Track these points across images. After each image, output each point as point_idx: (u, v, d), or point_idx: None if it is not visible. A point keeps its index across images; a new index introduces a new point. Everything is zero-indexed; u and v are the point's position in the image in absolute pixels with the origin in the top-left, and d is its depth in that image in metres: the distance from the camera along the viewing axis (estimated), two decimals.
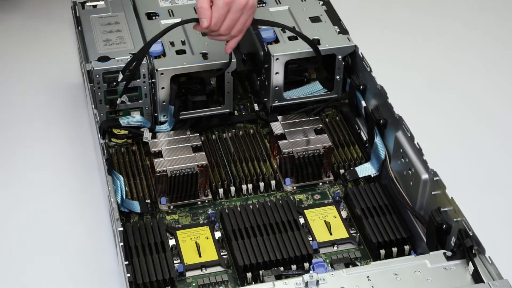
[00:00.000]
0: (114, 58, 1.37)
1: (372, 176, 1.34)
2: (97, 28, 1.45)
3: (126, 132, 1.39)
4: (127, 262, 1.08)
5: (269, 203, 1.28)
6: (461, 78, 1.69)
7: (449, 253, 1.09)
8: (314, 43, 1.38)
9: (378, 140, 1.32)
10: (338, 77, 1.43)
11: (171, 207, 1.32)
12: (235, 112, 1.48)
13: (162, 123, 1.41)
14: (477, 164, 1.48)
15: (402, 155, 1.25)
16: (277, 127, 1.39)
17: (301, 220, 1.28)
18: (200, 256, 1.22)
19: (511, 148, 1.51)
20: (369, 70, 1.35)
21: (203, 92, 1.40)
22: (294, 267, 1.20)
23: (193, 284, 1.19)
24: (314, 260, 1.18)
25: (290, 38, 1.42)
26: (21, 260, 1.28)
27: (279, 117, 1.41)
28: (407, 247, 1.23)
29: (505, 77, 1.70)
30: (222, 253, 1.23)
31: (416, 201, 1.22)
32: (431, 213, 1.16)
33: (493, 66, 1.72)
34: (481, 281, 1.04)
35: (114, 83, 1.35)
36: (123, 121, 1.38)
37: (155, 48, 1.38)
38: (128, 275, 1.07)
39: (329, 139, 1.37)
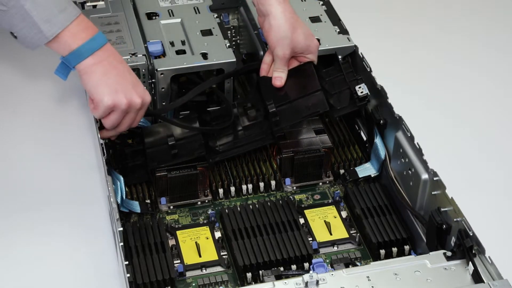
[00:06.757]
0: None
1: (372, 176, 1.34)
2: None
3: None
4: (127, 262, 1.08)
5: (269, 203, 1.28)
6: (462, 77, 1.69)
7: (449, 253, 1.09)
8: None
9: (378, 140, 1.32)
10: None
11: (171, 207, 1.32)
12: None
13: None
14: (477, 164, 1.47)
15: (402, 155, 1.25)
16: None
17: (301, 220, 1.28)
18: (200, 256, 1.22)
19: (511, 148, 1.51)
20: (369, 70, 1.35)
21: (203, 93, 1.40)
22: (294, 267, 1.20)
23: (193, 284, 1.19)
24: (314, 260, 1.17)
25: None
26: (21, 259, 1.28)
27: None
28: (407, 247, 1.22)
29: (505, 77, 1.70)
30: (222, 253, 1.23)
31: (416, 201, 1.22)
32: (431, 213, 1.16)
33: (494, 65, 1.72)
34: (481, 281, 1.04)
35: None
36: None
37: (155, 48, 1.37)
38: (128, 275, 1.07)
39: (329, 139, 1.37)
